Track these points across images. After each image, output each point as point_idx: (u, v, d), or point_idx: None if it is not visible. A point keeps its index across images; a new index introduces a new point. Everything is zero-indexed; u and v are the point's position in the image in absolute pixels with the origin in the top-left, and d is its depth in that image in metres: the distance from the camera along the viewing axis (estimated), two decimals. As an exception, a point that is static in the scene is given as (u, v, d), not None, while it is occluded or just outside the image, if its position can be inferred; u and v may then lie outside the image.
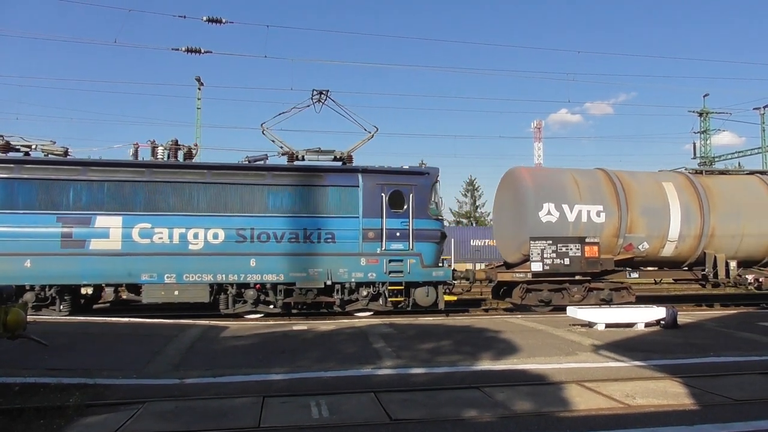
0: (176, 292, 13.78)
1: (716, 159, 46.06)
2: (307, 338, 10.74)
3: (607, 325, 11.84)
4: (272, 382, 7.49)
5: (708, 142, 46.03)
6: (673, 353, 9.36)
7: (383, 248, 14.59)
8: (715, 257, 16.67)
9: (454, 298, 15.64)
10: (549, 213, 15.98)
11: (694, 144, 46.48)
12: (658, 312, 12.13)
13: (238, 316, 14.46)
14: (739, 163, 48.67)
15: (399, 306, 15.04)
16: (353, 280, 14.51)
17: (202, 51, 27.93)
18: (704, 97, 46.10)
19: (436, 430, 5.51)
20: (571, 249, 15.66)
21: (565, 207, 16.02)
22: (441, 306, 15.19)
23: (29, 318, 7.10)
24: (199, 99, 41.85)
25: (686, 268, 17.43)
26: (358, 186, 14.72)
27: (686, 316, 13.73)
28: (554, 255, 15.59)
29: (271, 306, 14.39)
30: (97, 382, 7.24)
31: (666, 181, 17.14)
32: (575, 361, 8.79)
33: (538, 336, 10.93)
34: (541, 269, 15.58)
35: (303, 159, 15.60)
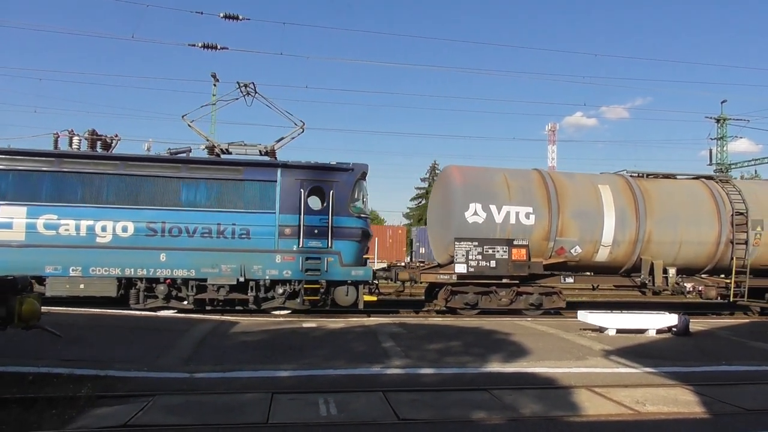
0: (82, 286, 13.34)
1: (732, 166, 45.60)
2: (317, 336, 10.78)
3: (618, 331, 11.77)
4: (281, 378, 7.53)
5: (724, 148, 45.55)
6: (684, 361, 9.29)
7: (300, 245, 14.14)
8: (652, 264, 16.09)
9: (374, 298, 15.02)
10: (476, 213, 15.39)
11: (711, 150, 46.02)
12: (670, 319, 12.03)
13: (151, 310, 14.01)
14: (755, 171, 48.21)
15: (318, 305, 14.59)
16: (268, 277, 14.04)
17: (219, 47, 28.10)
18: (722, 103, 45.77)
19: (443, 431, 5.50)
20: (498, 251, 15.16)
21: (493, 208, 15.46)
22: (360, 306, 14.72)
23: (43, 309, 7.18)
24: (214, 95, 42.12)
25: (625, 275, 16.81)
26: (275, 181, 14.27)
27: (698, 323, 13.60)
28: (480, 257, 15.06)
29: (185, 302, 13.95)
30: (109, 374, 7.33)
31: (603, 183, 16.52)
32: (585, 365, 8.75)
33: (548, 339, 10.89)
34: (465, 271, 15.04)
35: (227, 152, 15.25)
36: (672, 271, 16.11)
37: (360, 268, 14.65)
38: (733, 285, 16.44)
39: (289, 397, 6.60)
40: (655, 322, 12.01)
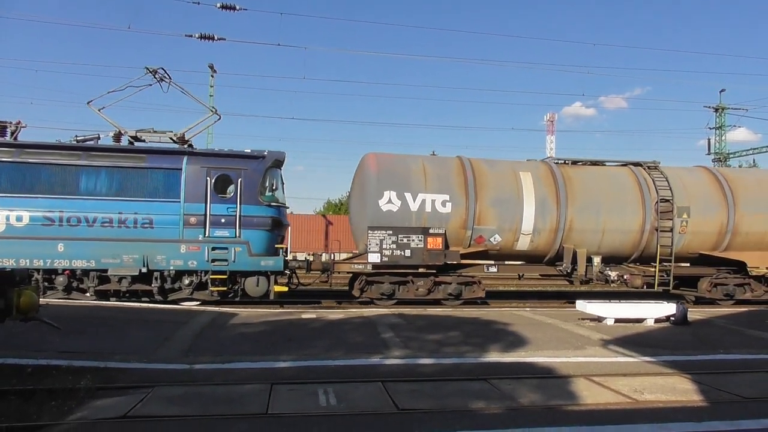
0: None
1: (731, 155, 45.63)
2: (316, 327, 10.80)
3: (617, 320, 11.81)
4: (280, 369, 7.55)
5: (723, 138, 45.57)
6: (682, 349, 9.32)
7: (206, 235, 13.83)
8: (575, 252, 15.77)
9: (285, 289, 14.65)
10: (390, 201, 15.08)
11: (709, 140, 46.09)
12: (668, 308, 12.06)
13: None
14: (753, 160, 48.18)
15: (229, 296, 14.34)
16: (172, 267, 13.72)
17: (216, 38, 27.99)
18: (720, 92, 45.64)
19: (443, 421, 5.53)
20: (413, 240, 14.84)
21: (408, 195, 15.13)
22: (271, 297, 14.45)
23: (42, 301, 7.18)
24: (212, 86, 41.97)
25: (550, 264, 16.56)
26: (181, 169, 13.91)
27: (696, 312, 13.65)
28: (394, 246, 14.74)
29: (87, 294, 13.68)
30: (108, 366, 7.34)
31: (524, 171, 16.18)
32: (583, 355, 8.78)
33: (546, 329, 10.92)
34: (379, 261, 14.74)
35: (140, 140, 14.95)
36: (597, 260, 15.85)
37: (270, 258, 14.30)
38: (657, 273, 16.21)
39: (289, 388, 6.62)
40: (654, 312, 12.05)
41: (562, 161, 17.05)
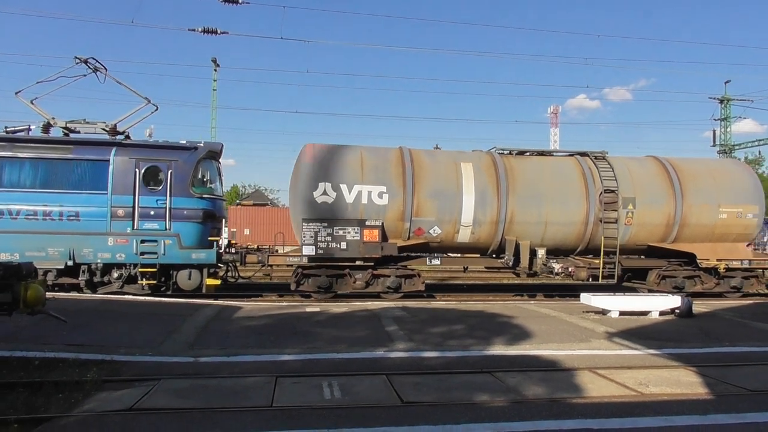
0: None
1: (736, 147, 45.41)
2: (320, 320, 10.82)
3: (621, 313, 11.79)
4: (285, 362, 7.57)
5: (728, 129, 45.33)
6: (687, 342, 9.30)
7: (135, 227, 13.62)
8: (518, 244, 15.49)
9: (218, 282, 14.43)
10: (325, 193, 14.73)
11: (714, 131, 45.93)
12: (673, 301, 12.04)
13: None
14: (759, 152, 47.96)
15: (161, 290, 14.13)
16: (99, 261, 13.54)
17: (219, 32, 27.96)
18: (726, 83, 45.43)
19: (447, 414, 5.54)
20: (349, 232, 14.51)
21: (344, 187, 14.79)
22: (204, 290, 14.19)
23: (48, 294, 7.22)
24: (215, 80, 41.98)
25: (495, 256, 16.17)
26: (108, 161, 13.67)
27: (701, 305, 13.61)
28: (329, 238, 14.45)
29: None
30: (114, 359, 7.38)
31: (466, 162, 15.73)
32: (588, 348, 8.77)
33: (551, 322, 10.91)
34: (313, 253, 14.43)
35: (71, 130, 14.76)
36: (541, 252, 15.61)
37: (202, 250, 14.08)
38: (601, 265, 15.80)
39: (293, 381, 6.64)
40: (658, 304, 12.02)
41: (508, 152, 16.62)
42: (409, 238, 15.26)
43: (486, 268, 17.34)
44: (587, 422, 5.39)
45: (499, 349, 8.52)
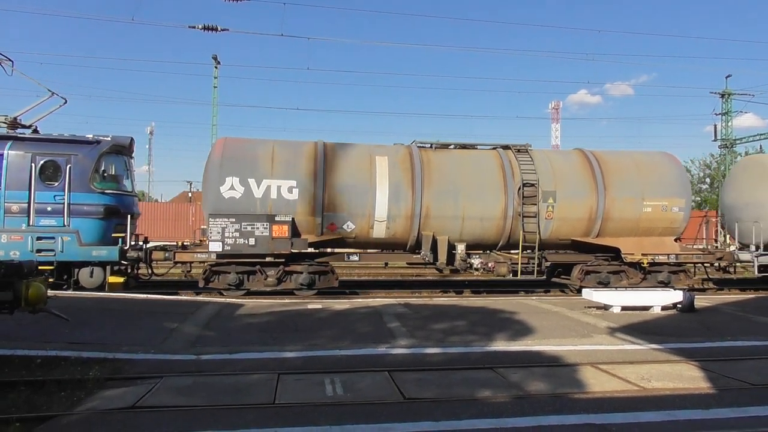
0: None
1: (737, 141, 45.31)
2: (322, 317, 10.82)
3: (623, 308, 11.77)
4: (287, 359, 7.57)
5: (729, 123, 45.23)
6: (689, 337, 9.30)
7: (30, 224, 13.16)
8: (435, 240, 15.13)
9: (121, 279, 14.04)
10: (232, 188, 14.38)
11: (715, 126, 45.77)
12: (675, 295, 12.03)
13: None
14: (760, 146, 47.80)
15: (63, 288, 13.42)
16: None
17: (219, 29, 27.93)
18: (726, 78, 45.23)
19: (449, 410, 5.54)
20: (257, 228, 14.07)
21: (252, 182, 14.43)
22: (105, 289, 13.75)
23: (50, 293, 7.22)
24: (216, 78, 41.92)
25: (415, 251, 15.73)
26: (2, 155, 13.26)
27: (703, 300, 13.61)
28: (237, 234, 14.03)
29: None
30: (116, 357, 7.39)
31: (381, 155, 15.35)
32: (590, 343, 8.77)
33: (553, 318, 10.91)
34: (221, 249, 14.04)
35: None
36: (461, 248, 15.28)
37: (104, 247, 13.64)
38: (520, 260, 15.52)
39: (296, 378, 6.65)
40: (660, 299, 12.01)
41: (429, 145, 16.23)
42: (322, 234, 14.90)
43: (407, 264, 16.97)
44: (590, 417, 5.39)
45: (501, 345, 8.51)
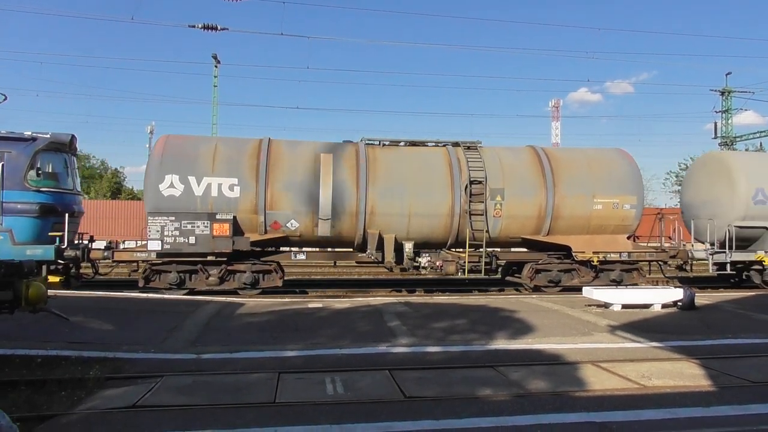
0: None
1: (738, 138, 45.32)
2: (322, 316, 10.82)
3: (624, 306, 11.77)
4: (287, 358, 7.57)
5: (729, 121, 45.24)
6: (689, 334, 9.29)
7: None
8: (382, 238, 14.93)
9: (57, 279, 13.60)
10: (172, 186, 14.11)
11: (715, 123, 45.83)
12: (676, 293, 12.03)
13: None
14: (761, 143, 47.82)
15: None
16: None
17: (219, 28, 27.95)
18: (726, 75, 45.32)
19: (450, 408, 5.53)
20: (198, 226, 13.84)
21: (192, 179, 14.19)
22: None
23: (50, 292, 7.22)
24: (216, 77, 41.94)
25: (362, 250, 15.53)
26: None
27: (703, 297, 13.61)
28: (177, 233, 13.77)
29: None
30: (117, 356, 7.38)
31: (327, 152, 15.17)
32: (591, 341, 8.77)
33: (553, 316, 10.91)
34: (160, 248, 13.79)
35: None
36: (408, 246, 15.11)
37: (38, 247, 13.28)
38: (467, 259, 15.22)
39: (296, 377, 6.64)
40: (661, 297, 12.01)
41: (378, 142, 15.99)
42: (266, 232, 14.70)
43: (357, 263, 16.77)
44: (590, 415, 5.38)
45: (501, 344, 8.51)
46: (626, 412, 5.49)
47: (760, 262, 16.85)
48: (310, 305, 12.09)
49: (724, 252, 16.52)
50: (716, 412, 5.54)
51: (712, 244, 16.82)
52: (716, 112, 45.66)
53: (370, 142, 15.93)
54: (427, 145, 16.37)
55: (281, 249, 15.33)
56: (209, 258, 14.24)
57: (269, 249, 15.32)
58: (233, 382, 6.42)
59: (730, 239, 16.42)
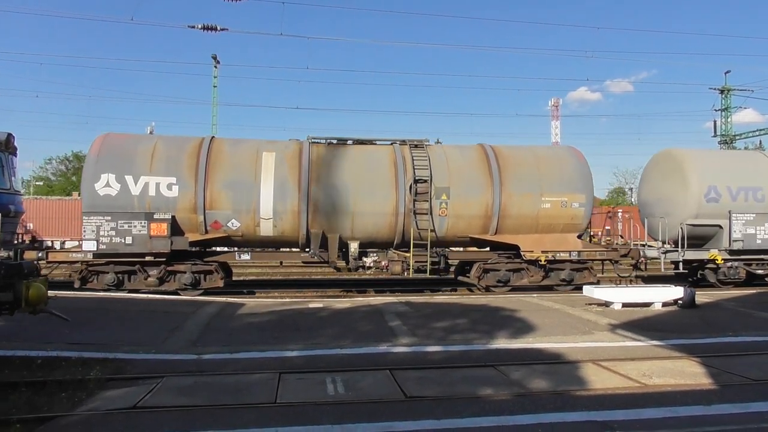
0: None
1: (737, 137, 45.28)
2: (323, 316, 10.81)
3: (624, 305, 11.76)
4: (288, 358, 7.57)
5: (729, 119, 45.22)
6: (690, 333, 9.29)
7: None
8: (325, 237, 14.80)
9: None
10: (108, 185, 13.90)
11: (715, 122, 45.79)
12: (676, 291, 12.03)
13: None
14: (760, 141, 47.78)
15: None
16: None
17: (219, 28, 27.92)
18: (726, 74, 45.19)
19: (451, 408, 5.53)
20: (135, 226, 13.61)
21: (129, 179, 13.97)
22: None
23: (50, 293, 7.22)
24: (215, 77, 41.92)
25: (308, 250, 15.06)
26: None
27: (704, 295, 13.60)
28: (113, 233, 13.55)
29: None
30: (117, 357, 7.38)
31: (269, 151, 14.97)
32: (591, 340, 8.76)
33: (553, 315, 10.90)
34: (95, 248, 13.54)
35: None
36: (354, 246, 14.93)
37: None
38: (412, 259, 15.04)
39: (297, 377, 6.64)
40: (661, 295, 12.00)
41: (325, 141, 15.75)
42: (206, 232, 14.51)
43: (303, 263, 16.58)
44: (591, 414, 5.37)
45: (502, 343, 8.51)
46: (627, 410, 5.48)
47: (713, 261, 16.67)
48: (311, 305, 12.08)
49: (677, 251, 16.40)
50: (717, 411, 5.53)
51: (665, 243, 16.71)
52: (716, 110, 45.62)
53: (316, 140, 15.73)
54: (375, 143, 16.18)
55: (227, 249, 15.11)
56: (148, 258, 14.01)
57: (218, 249, 15.08)
58: (234, 383, 6.41)
59: (683, 238, 16.27)
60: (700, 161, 17.18)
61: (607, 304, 11.89)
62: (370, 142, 16.18)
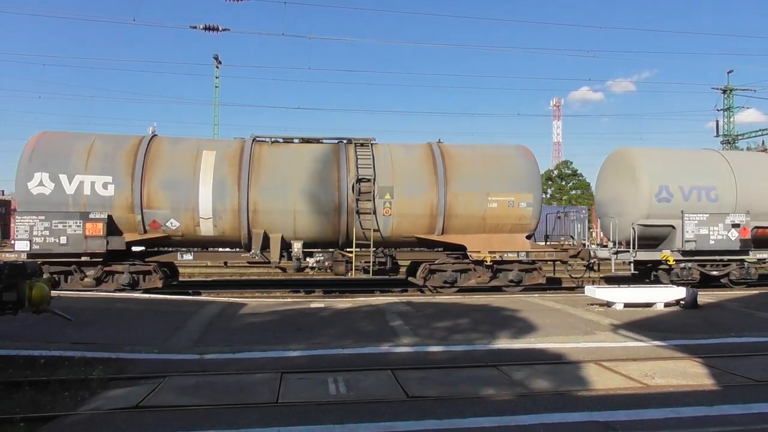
0: None
1: (739, 137, 45.23)
2: (325, 316, 10.83)
3: (626, 305, 11.75)
4: (290, 358, 7.58)
5: (731, 119, 45.17)
6: (692, 333, 9.28)
7: None
8: (268, 237, 14.66)
9: None
10: (41, 184, 13.76)
11: (717, 122, 45.75)
12: (678, 292, 12.02)
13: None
14: (762, 141, 47.71)
15: None
16: None
17: (220, 29, 27.98)
18: (728, 73, 45.16)
19: (453, 408, 5.53)
20: (69, 226, 13.48)
21: (64, 177, 13.81)
22: None
23: (53, 293, 7.24)
24: (217, 77, 41.99)
25: (253, 250, 14.87)
26: None
27: (707, 296, 13.58)
28: (47, 233, 13.44)
29: None
30: (120, 357, 7.40)
31: (210, 149, 14.89)
32: (593, 340, 8.76)
33: (555, 315, 10.90)
34: (28, 249, 13.40)
35: None
36: (297, 246, 14.74)
37: None
38: (354, 258, 14.98)
39: (299, 377, 6.65)
40: (663, 296, 12.00)
41: (269, 140, 15.65)
42: (145, 232, 14.37)
43: (248, 263, 16.35)
44: (593, 415, 5.37)
45: (504, 343, 8.51)
46: (629, 411, 5.48)
47: (665, 262, 16.53)
48: (313, 305, 12.10)
49: (628, 251, 16.29)
50: (720, 411, 5.53)
51: (617, 243, 16.57)
52: (718, 110, 45.61)
53: (260, 139, 15.61)
54: (322, 142, 16.01)
55: (167, 249, 15.05)
56: (84, 259, 13.89)
57: (162, 249, 15.02)
58: (236, 383, 6.43)
59: (635, 238, 16.17)
60: (651, 160, 16.95)
61: (608, 304, 11.88)
62: (317, 140, 16.01)
